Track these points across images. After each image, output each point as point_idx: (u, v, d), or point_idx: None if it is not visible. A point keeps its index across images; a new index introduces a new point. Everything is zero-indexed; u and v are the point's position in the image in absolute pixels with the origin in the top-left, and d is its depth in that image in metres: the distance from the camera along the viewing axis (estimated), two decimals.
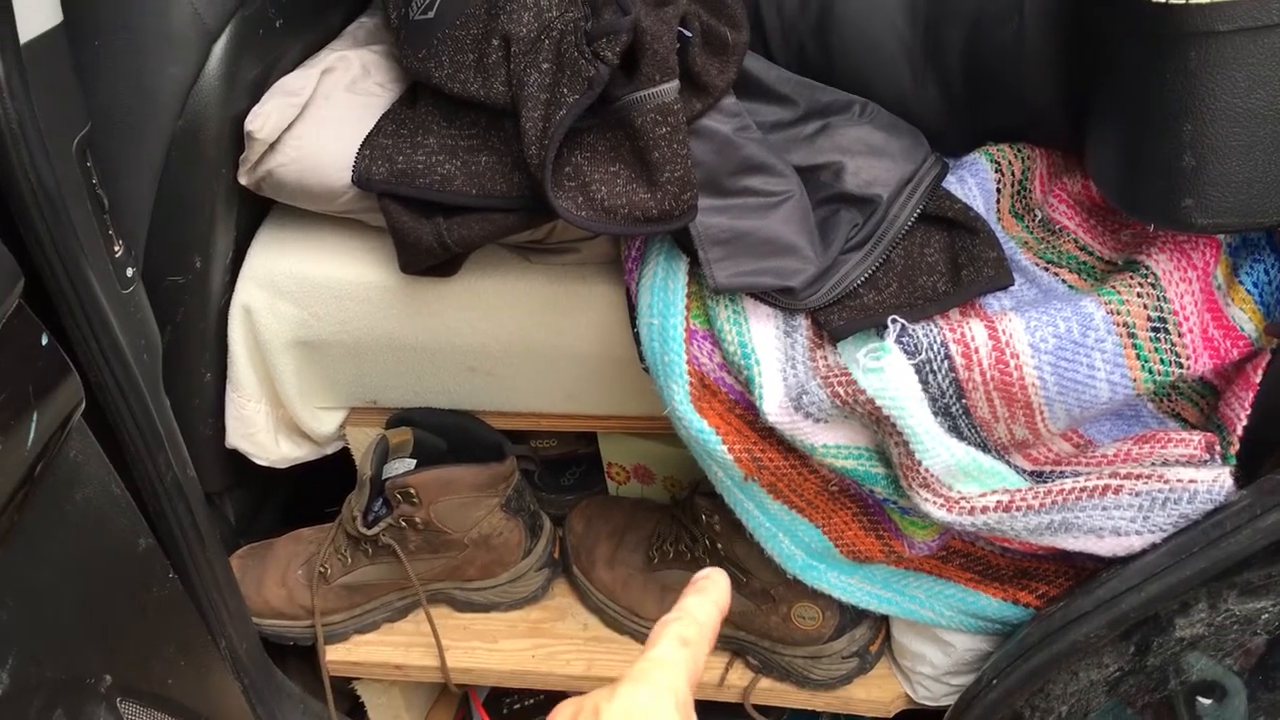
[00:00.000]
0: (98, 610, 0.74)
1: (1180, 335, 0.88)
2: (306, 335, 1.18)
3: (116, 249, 0.97)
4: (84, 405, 0.76)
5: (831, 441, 0.96)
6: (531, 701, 1.35)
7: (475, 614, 1.31)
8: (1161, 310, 0.88)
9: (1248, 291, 0.95)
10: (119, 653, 0.75)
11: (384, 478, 1.23)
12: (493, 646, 1.27)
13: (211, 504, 1.33)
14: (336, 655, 1.29)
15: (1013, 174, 1.02)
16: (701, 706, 1.26)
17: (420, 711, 1.42)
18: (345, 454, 1.33)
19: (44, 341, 0.72)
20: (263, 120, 1.05)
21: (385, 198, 1.05)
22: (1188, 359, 0.88)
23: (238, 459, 1.28)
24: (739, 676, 1.20)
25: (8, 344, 0.69)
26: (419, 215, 1.04)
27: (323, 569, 1.27)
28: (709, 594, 0.53)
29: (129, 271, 1.00)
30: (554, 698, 1.34)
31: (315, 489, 1.42)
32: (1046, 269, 0.99)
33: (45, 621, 0.68)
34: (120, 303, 0.99)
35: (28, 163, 0.79)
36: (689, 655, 0.49)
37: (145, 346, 1.03)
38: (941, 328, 0.91)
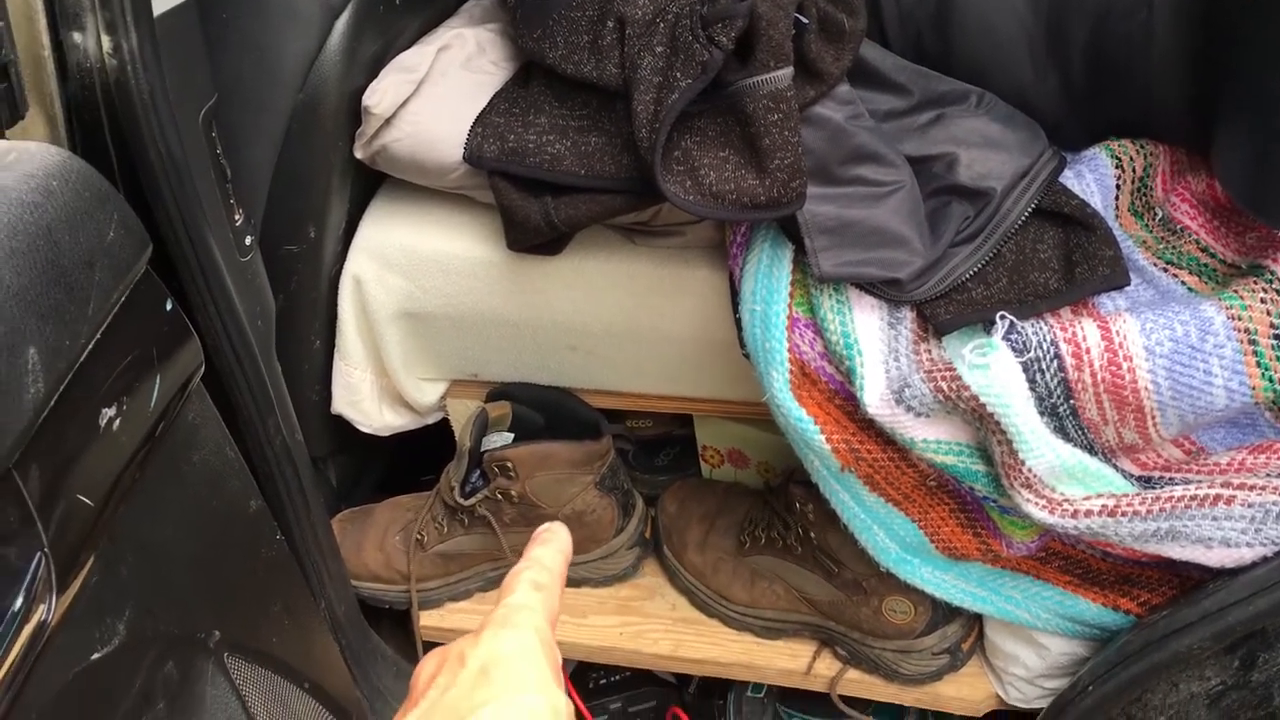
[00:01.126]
0: (209, 568, 0.77)
1: None
2: (413, 307, 1.20)
3: (237, 218, 1.00)
4: (203, 369, 0.79)
5: (932, 436, 0.95)
6: (617, 678, 1.37)
7: (566, 589, 1.32)
8: None
9: None
10: (228, 610, 0.78)
11: (482, 450, 1.25)
12: (581, 621, 1.29)
13: (316, 469, 1.36)
14: (430, 621, 1.32)
15: (1134, 170, 0.99)
16: (784, 691, 1.26)
17: None
18: (445, 425, 1.36)
19: (168, 307, 0.75)
20: (380, 96, 1.07)
21: (495, 175, 1.06)
22: None
23: (342, 425, 1.31)
24: (827, 666, 1.20)
25: (135, 308, 0.71)
26: (528, 194, 1.05)
27: (419, 536, 1.29)
28: (552, 544, 0.56)
29: (248, 240, 1.03)
30: (639, 676, 1.35)
31: (414, 459, 1.45)
32: (1165, 270, 0.97)
33: (161, 577, 0.71)
34: (239, 270, 1.02)
35: (157, 133, 0.82)
36: (544, 598, 0.51)
37: (260, 313, 1.06)
38: (1052, 326, 0.89)
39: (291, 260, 1.17)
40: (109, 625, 0.63)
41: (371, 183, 1.22)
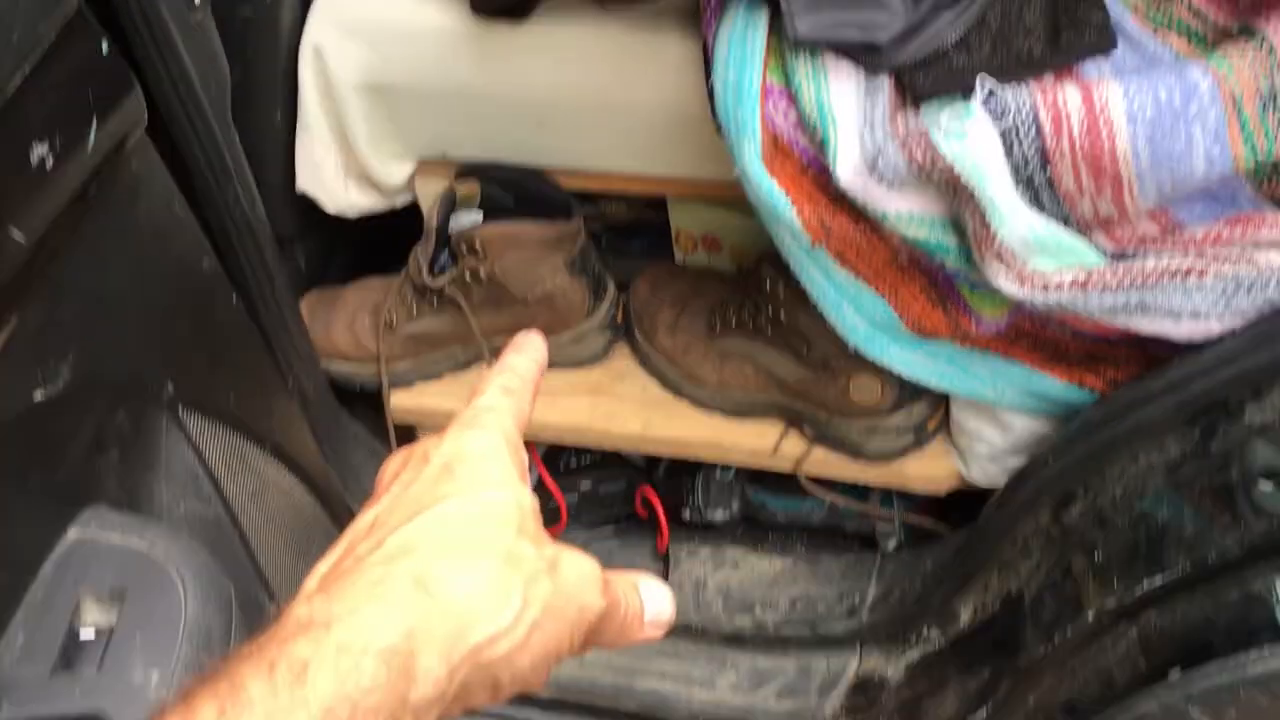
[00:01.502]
0: (160, 322, 0.75)
1: None
2: (377, 79, 1.16)
3: None
4: (145, 121, 0.75)
5: (904, 209, 0.93)
6: (587, 460, 1.38)
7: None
8: (1274, 83, 0.82)
9: None
10: (181, 365, 0.77)
11: (450, 229, 1.23)
12: (552, 402, 1.29)
13: (282, 249, 1.34)
14: (401, 401, 1.32)
15: None
16: (751, 473, 1.27)
17: None
18: (416, 212, 1.33)
19: (104, 49, 0.71)
20: None
21: None
22: None
23: (307, 206, 1.29)
24: (793, 446, 1.21)
25: (68, 47, 0.67)
26: None
27: (388, 317, 1.28)
28: (527, 351, 0.55)
29: None
30: (609, 458, 1.37)
31: (384, 244, 1.43)
32: (1154, 34, 0.93)
33: (107, 326, 0.69)
34: (188, 29, 0.97)
35: None
36: (513, 402, 0.51)
37: (213, 77, 1.01)
38: (1032, 92, 0.86)
39: (247, 26, 1.12)
40: (52, 367, 0.62)
41: None
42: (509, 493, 0.46)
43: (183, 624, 0.63)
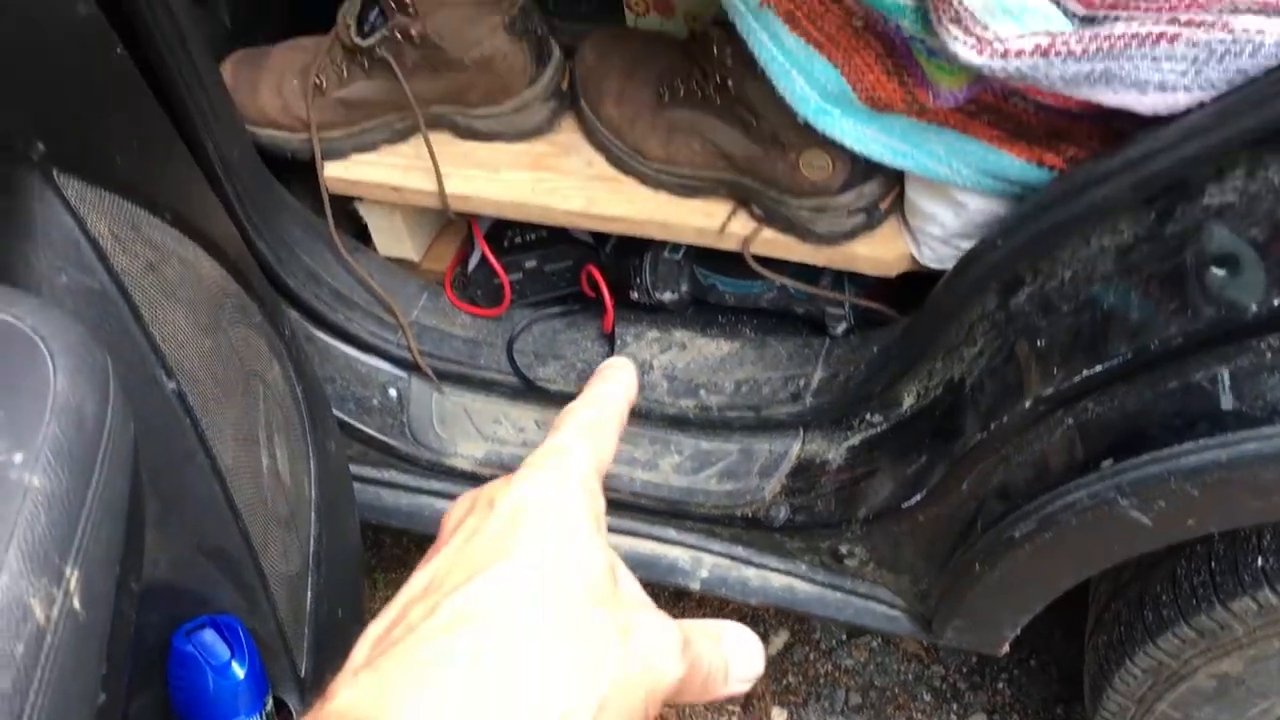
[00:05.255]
0: (21, 73, 0.68)
1: None
2: None
3: None
4: None
5: None
6: (533, 237, 1.33)
7: (477, 142, 1.26)
8: None
9: None
10: (52, 122, 0.70)
11: None
12: (493, 176, 1.23)
13: (202, 3, 1.25)
14: (335, 172, 1.26)
15: None
16: (700, 253, 1.23)
17: (424, 240, 1.40)
18: None
19: None
20: None
21: None
22: None
23: None
24: (741, 225, 1.16)
25: None
26: None
27: (317, 80, 1.21)
28: (614, 382, 0.49)
29: None
30: (555, 234, 1.32)
31: None
32: None
33: None
34: None
35: None
36: (592, 442, 0.45)
37: None
38: None
39: None
40: None
41: None
42: (578, 550, 0.41)
43: (50, 400, 0.59)
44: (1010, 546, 0.93)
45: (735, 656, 0.44)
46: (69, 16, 0.72)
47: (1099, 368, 0.83)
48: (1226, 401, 0.77)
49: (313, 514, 0.98)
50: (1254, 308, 0.75)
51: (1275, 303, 0.74)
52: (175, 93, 1.02)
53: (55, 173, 0.70)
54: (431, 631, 0.38)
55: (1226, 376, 0.77)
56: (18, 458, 0.57)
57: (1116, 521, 0.83)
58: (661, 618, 0.41)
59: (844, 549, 1.14)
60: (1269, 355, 0.75)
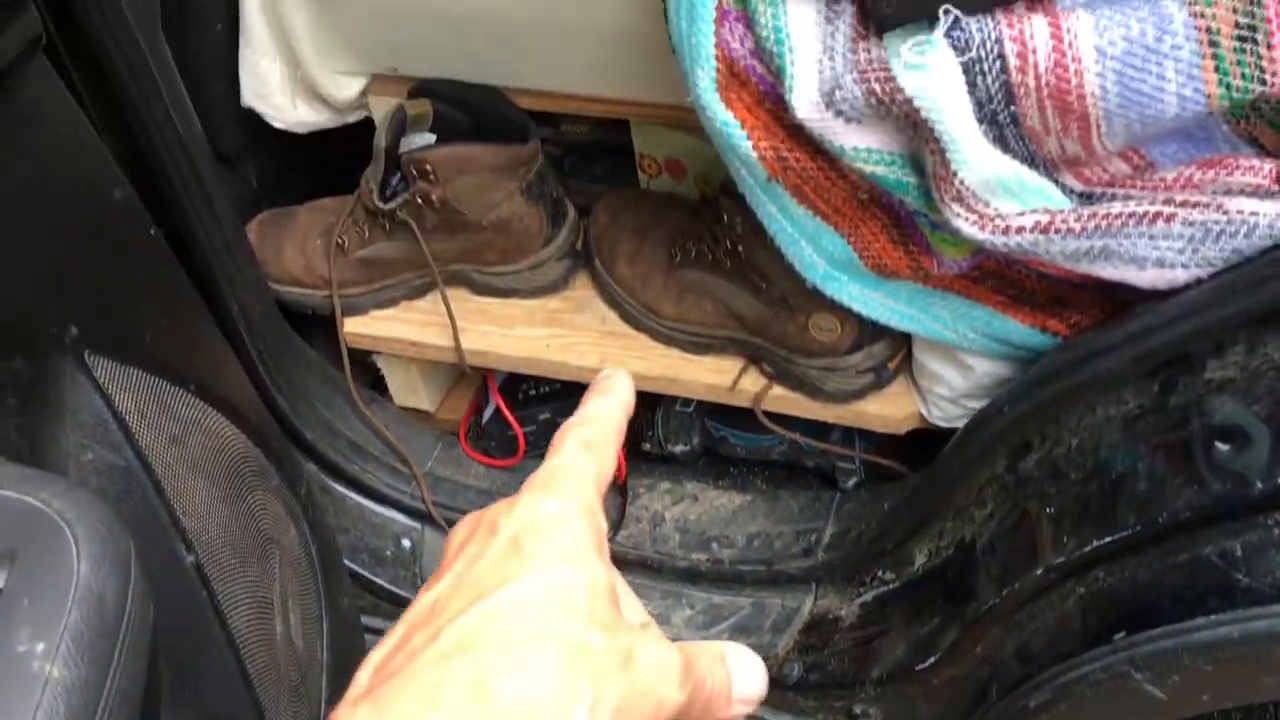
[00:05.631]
0: (59, 260, 0.71)
1: (1269, 48, 0.76)
2: None
3: None
4: (41, 41, 0.70)
5: (862, 144, 0.88)
6: (547, 389, 1.35)
7: (493, 299, 1.29)
8: (1253, 17, 0.76)
9: None
10: (86, 306, 0.73)
11: (401, 151, 1.18)
12: (508, 332, 1.26)
13: (232, 166, 1.29)
14: (354, 327, 1.29)
15: None
16: (712, 406, 1.24)
17: (439, 391, 1.43)
18: (374, 128, 1.28)
19: None
20: None
21: None
22: (1273, 75, 0.77)
23: (256, 121, 1.24)
24: (752, 382, 1.18)
25: None
26: None
27: (340, 240, 1.24)
28: (612, 394, 0.49)
29: None
30: (569, 388, 1.34)
31: (347, 160, 1.37)
32: None
33: None
34: None
35: None
36: (594, 459, 0.45)
37: None
38: (999, 23, 0.81)
39: None
40: None
41: None
42: (581, 572, 0.41)
43: (73, 588, 0.60)
44: (1026, 715, 0.92)
45: (738, 678, 0.44)
46: (106, 202, 0.76)
47: (1109, 538, 0.83)
48: (1237, 577, 0.77)
49: (324, 677, 0.98)
50: (1260, 484, 0.76)
51: None
52: (203, 258, 1.06)
53: (86, 354, 0.72)
54: (433, 658, 0.38)
55: (1237, 552, 0.78)
56: (40, 647, 0.58)
57: (1131, 695, 0.83)
58: (664, 641, 0.42)
59: (858, 709, 1.13)
60: (1277, 532, 0.76)
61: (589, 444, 0.46)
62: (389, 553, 1.30)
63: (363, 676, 0.40)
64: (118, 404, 0.74)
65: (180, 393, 0.82)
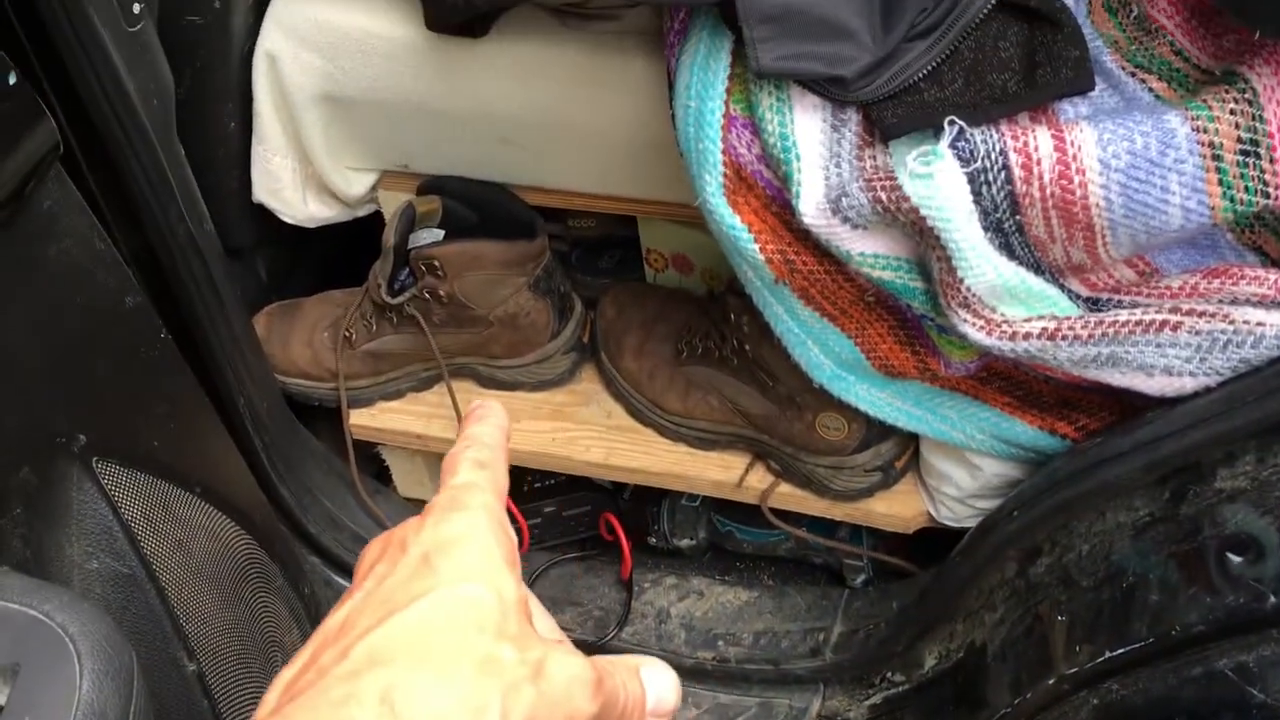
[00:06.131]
0: (71, 370, 0.72)
1: (1272, 161, 0.77)
2: (333, 90, 1.11)
3: None
4: (60, 151, 0.71)
5: (869, 250, 0.89)
6: (552, 482, 1.35)
7: (499, 391, 1.29)
8: (1255, 132, 0.78)
9: None
10: (95, 414, 0.73)
11: (409, 247, 1.19)
12: (514, 426, 1.25)
13: (242, 260, 1.30)
14: (360, 420, 1.29)
15: None
16: (718, 500, 1.24)
17: None
18: (384, 222, 1.29)
19: (11, 80, 0.67)
20: None
21: None
22: (1277, 189, 0.78)
23: (267, 215, 1.25)
24: (759, 479, 1.17)
25: None
26: None
27: (347, 333, 1.25)
28: (488, 420, 0.51)
29: (136, 8, 0.94)
30: (574, 481, 1.33)
31: (356, 253, 1.39)
32: (1134, 74, 0.88)
33: (8, 374, 0.65)
34: (125, 42, 0.93)
35: None
36: (490, 475, 0.47)
37: (155, 91, 0.97)
38: (1003, 134, 0.82)
39: (196, 33, 1.08)
40: None
41: None
42: (491, 587, 0.41)
43: (76, 705, 0.59)
44: None
45: (654, 688, 0.45)
46: (118, 310, 0.76)
47: (1122, 649, 0.82)
48: (1252, 692, 0.76)
49: None
50: (1274, 598, 0.75)
51: None
52: (210, 354, 1.06)
53: (94, 461, 0.72)
54: (342, 675, 0.38)
55: (1252, 666, 0.76)
56: None
57: None
58: (575, 654, 0.42)
59: None
60: None
61: (483, 463, 0.47)
62: None
63: (271, 696, 0.40)
64: (123, 510, 0.74)
65: (186, 496, 0.82)
